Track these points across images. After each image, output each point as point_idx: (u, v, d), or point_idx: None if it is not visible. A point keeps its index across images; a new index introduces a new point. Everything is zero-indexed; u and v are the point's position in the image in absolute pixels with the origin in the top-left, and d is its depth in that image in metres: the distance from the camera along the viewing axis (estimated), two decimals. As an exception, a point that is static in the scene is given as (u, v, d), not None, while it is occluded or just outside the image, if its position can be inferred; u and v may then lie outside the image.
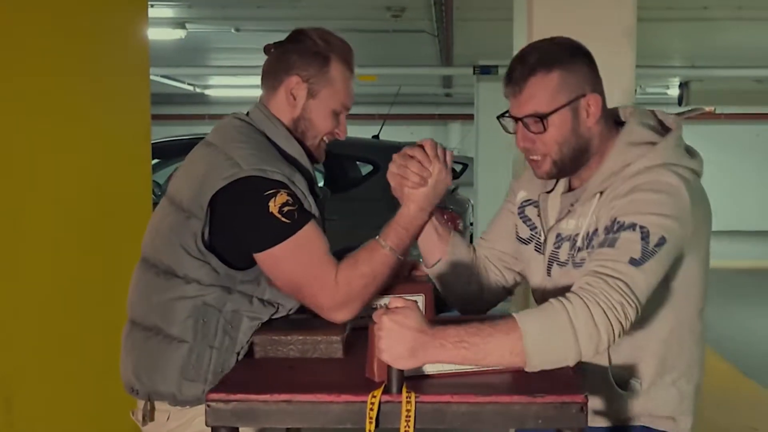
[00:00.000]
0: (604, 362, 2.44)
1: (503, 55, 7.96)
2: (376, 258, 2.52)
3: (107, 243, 4.76)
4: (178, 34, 11.78)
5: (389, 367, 2.03)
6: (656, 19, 10.33)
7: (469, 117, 17.88)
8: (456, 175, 17.35)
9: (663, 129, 2.55)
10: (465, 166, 17.78)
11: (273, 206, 2.45)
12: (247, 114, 2.79)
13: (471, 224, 11.84)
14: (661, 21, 10.74)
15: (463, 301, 2.79)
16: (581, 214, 2.49)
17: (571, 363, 2.13)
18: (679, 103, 17.55)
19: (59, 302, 4.35)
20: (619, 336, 2.14)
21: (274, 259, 2.49)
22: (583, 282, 2.20)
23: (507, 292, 2.88)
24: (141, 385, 2.61)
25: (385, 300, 2.59)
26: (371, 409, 1.99)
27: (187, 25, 11.68)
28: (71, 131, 4.46)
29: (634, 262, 2.21)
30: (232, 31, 12.20)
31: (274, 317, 2.61)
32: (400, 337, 2.01)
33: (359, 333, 2.45)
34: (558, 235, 2.57)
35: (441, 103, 24.36)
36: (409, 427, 1.98)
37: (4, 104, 3.91)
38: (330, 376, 2.24)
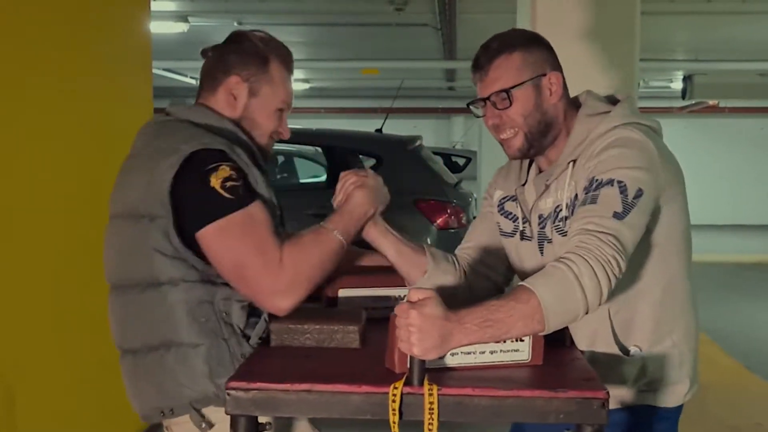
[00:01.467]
0: (608, 328, 2.53)
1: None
2: (323, 242, 2.53)
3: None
4: (181, 27, 11.80)
5: (411, 359, 2.03)
6: (660, 12, 10.35)
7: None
8: (459, 168, 17.40)
9: (615, 101, 2.69)
10: (468, 159, 17.81)
11: (214, 180, 2.41)
12: (167, 114, 2.76)
13: (474, 218, 11.85)
14: (665, 14, 10.75)
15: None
16: (558, 188, 2.58)
17: (581, 317, 2.21)
18: (683, 97, 17.55)
19: (60, 299, 4.37)
20: (613, 286, 2.23)
21: (215, 238, 2.44)
22: (577, 240, 2.28)
23: (500, 288, 2.91)
24: (177, 401, 2.54)
25: (400, 292, 2.61)
26: (393, 401, 2.00)
27: (190, 19, 11.70)
28: (72, 124, 4.47)
29: (617, 216, 2.31)
30: (235, 24, 12.21)
31: None
32: (431, 329, 2.01)
33: (374, 324, 2.46)
34: (540, 216, 2.65)
35: (444, 97, 24.35)
36: (432, 419, 1.98)
37: (5, 98, 3.92)
38: (348, 366, 2.22)
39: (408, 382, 2.02)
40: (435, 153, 12.30)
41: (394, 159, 9.06)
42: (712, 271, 13.43)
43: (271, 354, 2.38)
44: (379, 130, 10.46)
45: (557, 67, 2.63)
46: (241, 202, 2.44)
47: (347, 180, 2.68)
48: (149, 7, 5.66)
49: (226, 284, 2.53)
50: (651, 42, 12.33)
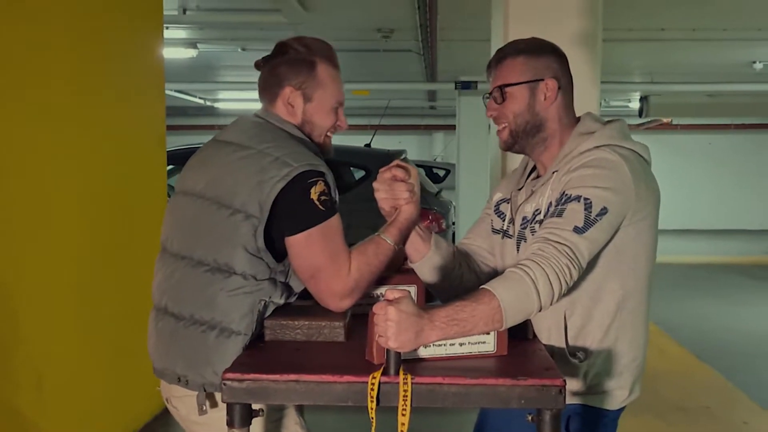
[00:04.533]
0: (562, 329, 2.51)
1: (482, 72, 7.98)
2: (382, 252, 2.55)
3: (127, 238, 4.78)
4: (190, 53, 11.77)
5: (387, 351, 2.04)
6: (619, 39, 10.38)
7: (452, 127, 17.92)
8: (440, 179, 17.41)
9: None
10: (448, 171, 17.81)
11: (314, 193, 2.46)
12: (255, 116, 2.77)
13: (453, 224, 11.85)
14: (624, 41, 10.78)
15: (445, 292, 2.81)
16: (540, 194, 2.58)
17: (533, 315, 2.25)
18: (640, 115, 17.59)
19: (84, 292, 4.37)
20: (564, 292, 2.26)
21: (304, 243, 2.48)
22: (536, 248, 2.29)
23: (484, 283, 2.90)
24: (196, 377, 2.54)
25: (380, 290, 2.61)
26: (372, 389, 2.01)
27: (199, 45, 11.68)
28: (95, 140, 4.47)
29: (577, 230, 2.31)
30: (239, 50, 12.20)
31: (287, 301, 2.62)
32: (407, 324, 2.02)
33: (358, 319, 2.48)
34: (524, 218, 2.64)
35: (426, 115, 24.37)
36: (406, 405, 1.99)
37: (37, 119, 3.93)
38: (333, 359, 2.24)
39: (385, 373, 2.03)
40: (418, 165, 12.35)
41: (382, 171, 9.06)
42: (665, 271, 13.45)
43: (265, 348, 2.39)
44: (368, 145, 10.47)
45: (560, 76, 2.62)
46: (328, 214, 2.49)
47: (401, 192, 2.63)
48: (162, 35, 5.67)
49: (282, 283, 2.58)
50: (611, 66, 12.39)
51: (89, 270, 4.44)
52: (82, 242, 4.37)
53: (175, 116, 18.15)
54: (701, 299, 11.32)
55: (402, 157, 9.56)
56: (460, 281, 2.80)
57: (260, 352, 2.35)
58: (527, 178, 2.76)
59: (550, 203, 2.50)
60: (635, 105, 18.59)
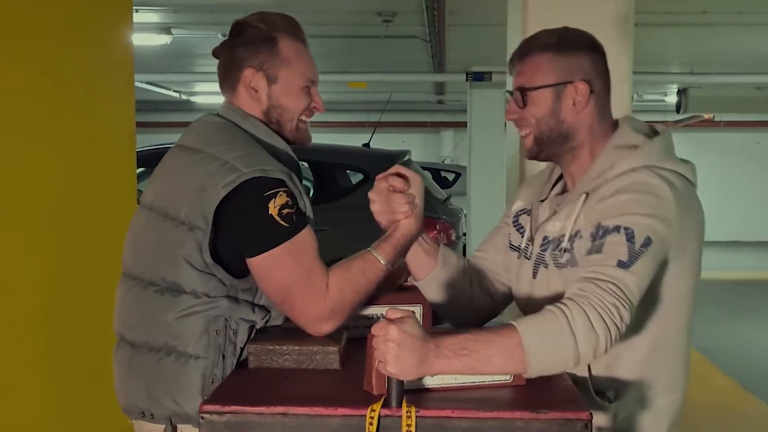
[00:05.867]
0: (584, 370, 2.45)
1: (497, 62, 7.97)
2: (371, 271, 2.53)
3: (91, 252, 4.77)
4: (164, 39, 11.79)
5: (389, 380, 2.03)
6: (654, 24, 10.37)
7: (462, 125, 17.91)
8: (449, 184, 17.42)
9: (653, 134, 2.60)
10: (458, 175, 17.83)
11: (272, 207, 2.43)
12: (217, 114, 2.77)
13: (464, 234, 11.86)
14: (659, 26, 10.78)
15: (454, 313, 2.80)
16: (567, 215, 2.53)
17: (571, 367, 2.18)
18: (677, 110, 17.58)
19: (42, 310, 4.35)
20: (616, 338, 2.18)
21: (267, 264, 2.47)
22: (575, 288, 2.23)
23: (500, 305, 2.88)
24: (160, 409, 2.55)
25: (380, 311, 2.60)
26: (371, 424, 1.99)
27: (173, 30, 11.69)
28: (53, 138, 4.46)
29: (622, 265, 2.25)
30: (219, 36, 12.16)
31: (267, 324, 2.61)
32: (411, 348, 2.01)
33: (355, 344, 2.45)
34: (545, 237, 2.60)
35: (433, 111, 24.39)
36: (409, 441, 1.99)
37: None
38: (327, 388, 2.23)
39: (386, 404, 2.02)
40: (424, 168, 12.35)
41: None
42: (707, 289, 13.38)
43: (248, 376, 2.38)
44: (367, 145, 10.49)
45: (594, 78, 2.55)
46: (294, 230, 2.47)
47: (399, 206, 2.59)
48: (131, 19, 5.66)
49: (247, 302, 2.57)
50: (645, 54, 12.37)
51: (48, 286, 4.43)
52: (39, 255, 4.35)
53: (146, 112, 18.16)
54: (747, 320, 11.31)
55: (405, 158, 9.57)
56: (471, 302, 2.79)
57: (243, 381, 2.33)
58: (552, 188, 2.73)
59: (578, 232, 2.46)
60: (672, 99, 18.58)
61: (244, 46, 2.72)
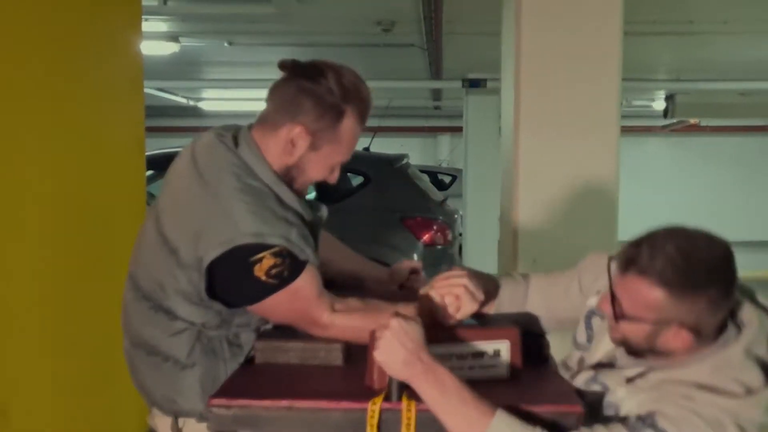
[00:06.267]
0: None
1: (492, 69, 7.95)
2: (376, 320, 2.31)
3: (102, 252, 4.76)
4: (172, 47, 11.76)
5: (390, 376, 2.04)
6: (642, 33, 10.36)
7: (458, 129, 17.87)
8: (445, 186, 17.42)
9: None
10: (454, 177, 17.83)
11: (258, 271, 2.38)
12: (235, 141, 2.59)
13: (460, 234, 11.85)
14: (648, 35, 10.77)
15: None
16: (633, 392, 2.23)
17: None
18: (665, 116, 17.58)
19: (54, 311, 4.35)
20: None
21: (262, 310, 2.48)
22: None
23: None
24: (166, 404, 2.57)
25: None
26: (372, 417, 1.99)
27: (181, 39, 11.67)
28: (67, 143, 4.46)
29: None
30: (225, 45, 12.18)
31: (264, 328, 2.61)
32: (403, 344, 2.02)
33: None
34: (598, 362, 2.39)
35: (430, 116, 24.33)
36: (410, 434, 1.99)
37: (1, 120, 3.91)
38: (330, 384, 2.24)
39: (387, 399, 2.02)
40: (422, 171, 12.32)
41: (382, 177, 9.10)
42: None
43: (255, 372, 2.39)
44: (367, 149, 10.48)
45: (704, 321, 2.13)
46: (285, 283, 2.42)
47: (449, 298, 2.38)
48: (141, 28, 5.66)
49: (240, 319, 2.55)
50: (633, 62, 12.35)
51: (60, 286, 4.42)
52: (52, 257, 4.35)
53: (155, 117, 18.14)
54: (733, 318, 11.27)
55: (404, 162, 9.57)
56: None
57: (250, 376, 2.34)
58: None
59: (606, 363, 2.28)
60: (659, 105, 18.56)
61: (314, 102, 2.53)
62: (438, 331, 2.27)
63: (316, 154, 2.58)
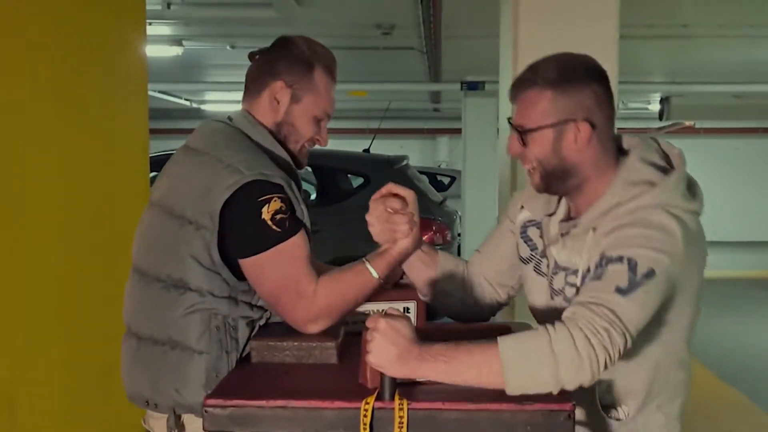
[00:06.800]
0: (592, 389, 2.36)
1: (490, 71, 7.96)
2: (361, 283, 2.52)
3: (106, 252, 4.76)
4: (175, 51, 11.78)
5: (382, 374, 2.03)
6: (638, 36, 10.37)
7: (457, 131, 17.91)
8: (444, 187, 17.43)
9: (666, 162, 2.43)
10: (453, 178, 17.86)
11: (266, 212, 2.43)
12: (229, 119, 2.76)
13: (459, 235, 11.87)
14: (644, 38, 10.78)
15: (456, 314, 2.78)
16: (573, 249, 2.41)
17: (554, 389, 2.05)
18: (660, 118, 17.60)
19: (59, 308, 4.35)
20: (606, 363, 2.06)
21: (257, 267, 2.47)
22: (568, 312, 2.13)
23: (501, 305, 2.82)
24: (163, 399, 2.56)
25: (376, 307, 2.59)
26: (365, 416, 1.99)
27: (184, 42, 11.69)
28: (71, 145, 4.46)
29: (620, 291, 2.12)
30: (228, 48, 12.21)
31: (268, 321, 2.61)
32: (394, 342, 2.01)
33: (353, 339, 2.42)
34: (555, 262, 2.50)
35: (429, 118, 24.39)
36: (402, 432, 1.98)
37: (5, 119, 3.91)
38: (324, 382, 2.23)
39: (379, 397, 2.02)
40: (421, 172, 12.34)
41: (382, 178, 9.06)
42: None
43: (250, 371, 2.38)
44: (367, 150, 10.50)
45: (596, 111, 2.35)
46: (285, 235, 2.46)
47: (399, 226, 2.52)
48: (145, 31, 5.66)
49: (246, 303, 2.57)
50: (629, 65, 12.35)
51: (64, 286, 4.42)
52: (57, 256, 4.35)
53: (158, 119, 18.20)
54: (725, 316, 11.31)
55: (403, 163, 9.58)
56: (474, 303, 2.75)
57: (245, 376, 2.34)
58: (558, 202, 2.56)
59: (588, 269, 2.32)
60: (655, 107, 18.60)
61: (284, 60, 2.74)
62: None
63: (299, 105, 2.74)
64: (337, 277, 2.52)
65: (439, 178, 18.32)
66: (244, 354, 2.54)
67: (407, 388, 2.08)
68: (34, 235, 4.11)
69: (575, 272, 2.40)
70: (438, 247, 8.98)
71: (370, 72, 14.72)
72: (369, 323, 2.06)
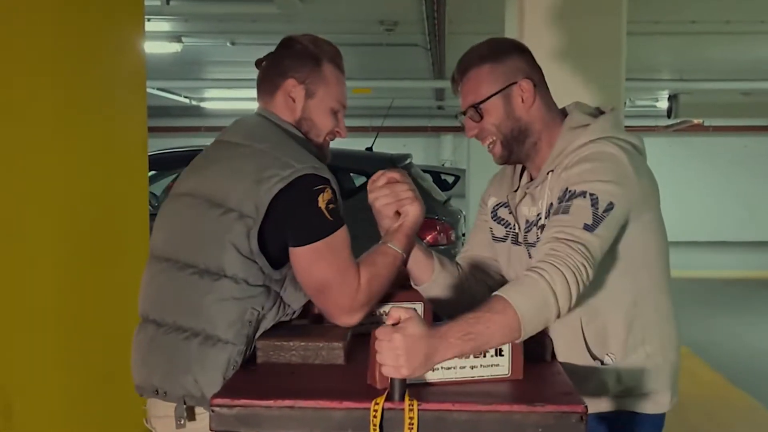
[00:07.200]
0: (580, 339, 2.57)
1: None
2: (391, 263, 2.58)
3: (105, 252, 4.77)
4: (175, 47, 11.79)
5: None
6: (645, 32, 10.38)
7: (461, 129, 17.86)
8: (448, 186, 17.41)
9: (600, 114, 2.72)
10: (457, 177, 17.81)
11: (321, 201, 2.49)
12: (257, 115, 2.82)
13: (463, 235, 11.85)
14: (651, 34, 10.78)
15: (454, 309, 2.80)
16: (539, 197, 2.65)
17: (553, 322, 2.27)
18: (668, 116, 17.59)
19: (57, 309, 4.35)
20: (580, 291, 2.28)
21: (312, 256, 2.51)
22: (548, 248, 2.33)
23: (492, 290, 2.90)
24: (175, 388, 2.55)
25: (384, 308, 2.60)
26: (374, 416, 1.99)
27: (184, 39, 11.70)
28: (69, 143, 4.46)
29: (587, 227, 2.35)
30: (228, 44, 12.22)
31: (281, 319, 2.61)
32: (417, 349, 2.01)
33: (360, 340, 2.45)
34: (526, 221, 2.71)
35: (433, 116, 24.35)
36: (412, 433, 1.99)
37: (4, 116, 3.92)
38: (332, 383, 2.23)
39: (389, 398, 2.02)
40: (424, 171, 12.32)
41: (384, 177, 9.09)
42: (694, 287, 13.46)
43: (256, 370, 2.38)
44: (370, 149, 10.48)
45: (531, 73, 2.66)
46: (337, 225, 2.52)
47: (404, 192, 2.65)
48: (143, 28, 5.66)
49: (274, 295, 2.58)
50: (637, 62, 12.36)
51: (63, 285, 4.43)
52: (55, 256, 4.35)
53: (157, 117, 18.17)
54: (734, 318, 11.30)
55: (407, 162, 9.58)
56: (473, 298, 2.79)
57: (252, 376, 2.34)
58: (520, 178, 2.82)
59: (551, 204, 2.56)
60: (663, 104, 18.60)
61: (292, 58, 2.80)
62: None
63: (314, 100, 2.80)
64: (371, 263, 2.57)
65: (443, 176, 18.28)
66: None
67: (416, 388, 2.08)
68: (32, 234, 4.11)
69: (541, 215, 2.63)
70: (442, 247, 9.00)
71: (374, 69, 14.73)
72: (381, 335, 2.04)
